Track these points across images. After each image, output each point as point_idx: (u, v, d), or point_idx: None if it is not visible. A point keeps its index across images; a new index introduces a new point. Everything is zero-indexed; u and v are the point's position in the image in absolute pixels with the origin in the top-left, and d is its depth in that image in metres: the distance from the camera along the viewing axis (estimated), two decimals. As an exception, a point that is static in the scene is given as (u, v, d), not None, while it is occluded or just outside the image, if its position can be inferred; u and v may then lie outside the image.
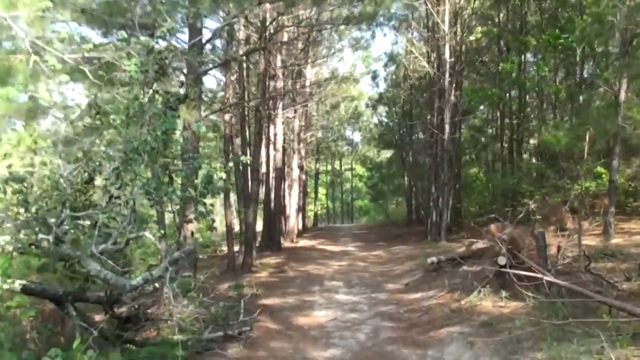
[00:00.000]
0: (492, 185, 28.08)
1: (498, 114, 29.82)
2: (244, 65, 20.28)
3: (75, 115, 7.57)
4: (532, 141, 29.84)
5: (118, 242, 7.49)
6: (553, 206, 19.43)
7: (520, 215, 17.41)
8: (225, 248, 20.59)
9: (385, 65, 40.07)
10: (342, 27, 31.20)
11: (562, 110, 26.27)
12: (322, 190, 63.08)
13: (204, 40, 13.32)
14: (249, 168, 19.48)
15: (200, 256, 22.79)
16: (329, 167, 61.89)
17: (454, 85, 25.10)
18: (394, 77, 39.89)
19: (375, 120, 48.32)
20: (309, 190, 51.74)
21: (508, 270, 9.86)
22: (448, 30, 23.87)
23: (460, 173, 29.54)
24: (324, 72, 39.74)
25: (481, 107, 33.02)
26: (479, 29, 27.49)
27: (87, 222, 7.40)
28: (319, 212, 58.61)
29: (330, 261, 20.85)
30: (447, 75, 23.94)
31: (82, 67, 7.15)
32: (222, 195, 19.08)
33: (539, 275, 8.96)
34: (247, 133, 21.38)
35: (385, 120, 44.41)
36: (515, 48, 25.43)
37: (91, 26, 13.38)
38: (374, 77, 41.77)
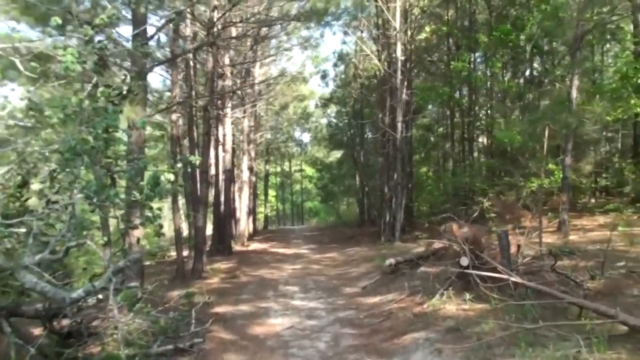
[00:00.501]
0: (444, 184, 28.09)
1: (448, 112, 29.84)
2: (192, 63, 19.61)
3: (6, 112, 6.89)
4: (481, 139, 30.00)
5: (56, 252, 6.84)
6: (507, 204, 19.37)
7: (475, 214, 17.26)
8: (174, 253, 19.85)
9: (335, 65, 39.83)
10: (291, 26, 30.79)
11: (511, 108, 26.40)
12: (272, 192, 62.46)
13: (149, 34, 12.60)
14: (197, 170, 18.79)
15: (148, 263, 22.08)
16: (279, 169, 61.35)
17: (406, 83, 24.82)
18: (343, 76, 39.62)
19: (324, 121, 48.05)
20: (258, 192, 51.12)
21: (471, 271, 9.52)
22: (399, 27, 23.58)
23: (412, 172, 29.38)
24: (273, 72, 39.16)
25: (430, 107, 33.12)
26: (428, 28, 27.45)
27: (22, 230, 6.74)
28: (269, 214, 58.03)
29: (284, 264, 20.33)
30: (398, 73, 23.63)
31: (13, 59, 6.45)
32: (170, 199, 18.39)
33: (504, 276, 8.64)
34: (195, 134, 20.64)
35: (334, 120, 44.19)
36: (465, 46, 25.42)
37: (27, 21, 12.59)
38: (324, 76, 41.41)
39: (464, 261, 10.14)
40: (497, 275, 8.76)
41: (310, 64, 42.31)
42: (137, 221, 7.19)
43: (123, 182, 7.49)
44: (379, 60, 26.89)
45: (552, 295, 7.88)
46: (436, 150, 34.23)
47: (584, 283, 9.21)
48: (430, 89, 25.01)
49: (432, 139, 34.51)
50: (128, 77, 7.60)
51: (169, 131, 19.03)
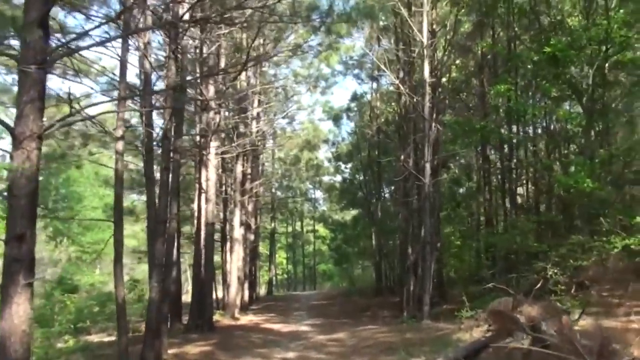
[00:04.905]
0: (478, 246, 23.02)
1: (480, 160, 24.86)
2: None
3: None
4: (520, 190, 25.00)
5: None
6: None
7: (538, 285, 12.35)
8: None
9: (348, 109, 35.99)
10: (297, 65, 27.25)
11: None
12: (282, 254, 58.03)
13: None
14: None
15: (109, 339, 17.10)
16: (290, 228, 56.90)
17: (434, 115, 19.57)
18: (357, 119, 35.74)
19: (338, 178, 44.98)
20: (266, 252, 46.91)
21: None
22: (427, 42, 18.55)
23: (439, 230, 23.87)
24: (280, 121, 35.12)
25: (458, 157, 28.00)
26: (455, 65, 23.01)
27: None
28: (277, 277, 53.49)
29: (274, 350, 14.82)
30: (426, 99, 18.32)
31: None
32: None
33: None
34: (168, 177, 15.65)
35: (347, 175, 40.68)
36: (506, 70, 20.50)
37: None
38: (336, 119, 37.58)
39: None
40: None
41: (320, 111, 38.96)
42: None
43: None
44: (402, 82, 21.51)
45: None
46: (464, 206, 28.89)
47: None
48: (463, 123, 19.87)
49: (459, 192, 29.38)
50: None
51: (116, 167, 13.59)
